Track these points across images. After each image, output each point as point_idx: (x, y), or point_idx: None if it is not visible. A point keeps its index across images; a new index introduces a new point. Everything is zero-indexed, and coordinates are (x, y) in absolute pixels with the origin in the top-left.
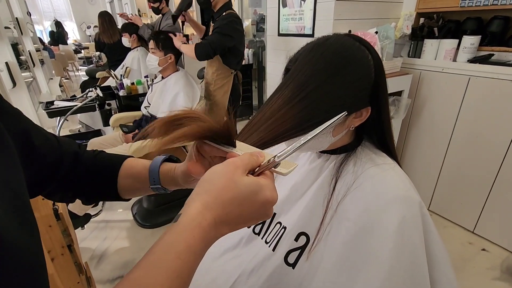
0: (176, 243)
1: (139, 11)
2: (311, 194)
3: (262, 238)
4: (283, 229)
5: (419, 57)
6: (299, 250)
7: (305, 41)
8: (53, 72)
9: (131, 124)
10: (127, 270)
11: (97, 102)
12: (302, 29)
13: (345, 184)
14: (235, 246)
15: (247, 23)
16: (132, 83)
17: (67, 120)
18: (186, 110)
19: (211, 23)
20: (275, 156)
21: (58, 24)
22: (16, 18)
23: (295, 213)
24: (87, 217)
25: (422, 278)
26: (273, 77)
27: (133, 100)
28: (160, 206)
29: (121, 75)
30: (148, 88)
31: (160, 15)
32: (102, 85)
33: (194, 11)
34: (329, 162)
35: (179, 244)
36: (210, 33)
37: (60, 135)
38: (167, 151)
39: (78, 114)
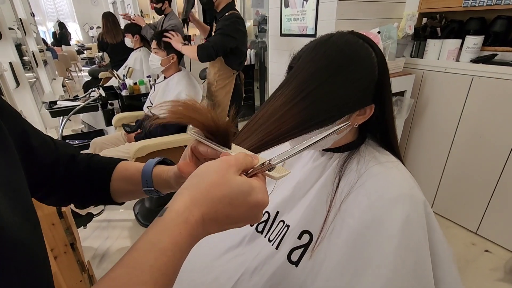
0: (162, 239)
1: (141, 12)
2: (314, 192)
3: (265, 237)
4: (286, 227)
5: (422, 57)
6: (302, 248)
7: (307, 41)
8: (56, 72)
9: (134, 123)
10: None
11: (100, 102)
12: (304, 29)
13: (349, 183)
14: (238, 245)
15: (249, 24)
16: (135, 83)
17: (70, 120)
18: (195, 101)
19: (214, 23)
20: (270, 159)
21: (61, 25)
22: (20, 18)
23: (298, 211)
24: (89, 216)
25: (426, 277)
26: (275, 78)
27: (135, 100)
28: (162, 206)
29: (123, 75)
30: (151, 88)
31: (163, 15)
32: (104, 85)
33: (197, 12)
34: (332, 160)
35: (164, 240)
36: (213, 33)
37: (63, 135)
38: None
39: (81, 114)
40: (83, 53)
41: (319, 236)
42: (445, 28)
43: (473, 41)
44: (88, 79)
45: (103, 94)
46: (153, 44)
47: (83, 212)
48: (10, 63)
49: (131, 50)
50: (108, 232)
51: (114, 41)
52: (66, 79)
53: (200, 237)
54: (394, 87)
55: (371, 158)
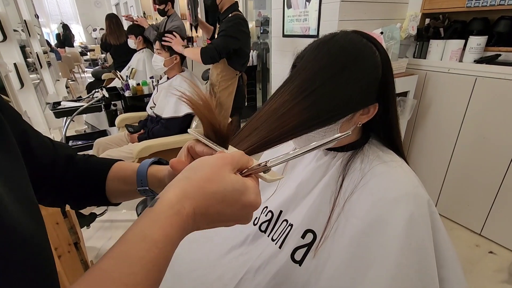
0: (153, 231)
1: (144, 13)
2: (318, 192)
3: (268, 236)
4: (289, 227)
5: (425, 58)
6: (306, 248)
7: (309, 42)
8: (60, 74)
9: (137, 124)
10: None
11: (103, 103)
12: (307, 30)
13: (352, 182)
14: (241, 244)
15: (251, 25)
16: (138, 84)
17: (73, 121)
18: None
19: (217, 24)
20: (267, 161)
21: (65, 27)
22: (25, 20)
23: (301, 211)
24: (92, 217)
25: (430, 276)
26: (278, 78)
27: (138, 101)
28: None
29: (126, 76)
30: (154, 88)
31: (166, 16)
32: (108, 86)
33: (199, 13)
34: (336, 159)
35: (155, 232)
36: (216, 34)
37: (66, 135)
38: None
39: (84, 115)
40: (86, 54)
41: (323, 235)
42: (448, 28)
43: (476, 42)
44: (91, 80)
45: (106, 95)
46: (156, 45)
47: (86, 212)
48: (15, 64)
49: (134, 51)
50: (111, 232)
51: (117, 42)
52: (69, 80)
53: (189, 231)
54: (397, 87)
55: (375, 157)
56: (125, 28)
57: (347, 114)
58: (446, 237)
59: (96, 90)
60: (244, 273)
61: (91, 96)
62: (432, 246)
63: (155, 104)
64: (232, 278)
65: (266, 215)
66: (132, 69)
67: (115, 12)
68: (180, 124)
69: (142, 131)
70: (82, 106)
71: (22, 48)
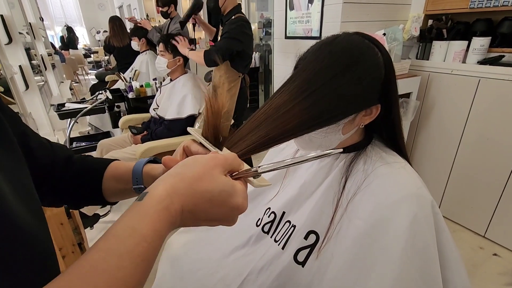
0: (142, 226)
1: (147, 16)
2: (320, 193)
3: (271, 237)
4: (292, 228)
5: (428, 59)
6: (309, 249)
7: (312, 43)
8: (64, 75)
9: (140, 125)
10: None
11: (107, 104)
12: (309, 31)
13: (355, 183)
14: (244, 245)
15: (253, 27)
16: (141, 86)
17: (77, 122)
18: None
19: (220, 26)
20: (258, 167)
21: (69, 29)
22: (30, 23)
23: (304, 212)
24: (96, 217)
25: (434, 277)
26: (280, 80)
27: (141, 102)
28: None
29: (130, 78)
30: (157, 90)
31: (169, 19)
32: (111, 88)
33: (202, 15)
34: (339, 160)
35: (144, 226)
36: (219, 36)
37: (70, 137)
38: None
39: (88, 116)
40: (90, 56)
41: (326, 237)
42: (451, 29)
43: (480, 43)
44: (95, 82)
45: (110, 97)
46: (160, 47)
47: (89, 213)
48: (20, 67)
49: (138, 53)
50: None
51: (120, 44)
52: (73, 82)
53: (176, 226)
54: (400, 88)
55: (378, 159)
56: (128, 30)
57: (348, 115)
58: (450, 238)
59: (100, 92)
60: (247, 274)
61: (94, 98)
62: (435, 247)
63: (158, 106)
64: (235, 279)
65: (269, 216)
66: (135, 71)
67: (118, 15)
68: (183, 126)
69: (145, 132)
70: (86, 107)
71: (27, 50)
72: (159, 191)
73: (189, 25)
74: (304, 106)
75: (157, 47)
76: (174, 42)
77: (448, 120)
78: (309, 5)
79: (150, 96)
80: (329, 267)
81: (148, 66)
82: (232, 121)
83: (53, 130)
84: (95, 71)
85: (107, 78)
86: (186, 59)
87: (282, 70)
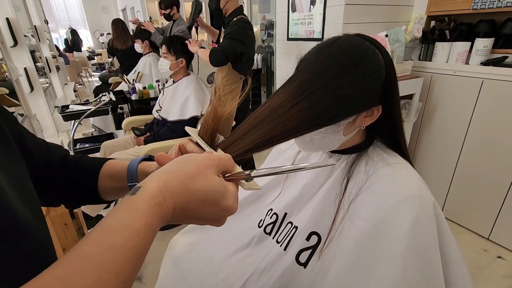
0: (135, 221)
1: (150, 18)
2: (322, 194)
3: (273, 238)
4: (294, 229)
5: (430, 60)
6: (311, 250)
7: (314, 45)
8: (68, 77)
9: (143, 127)
10: None
11: (110, 106)
12: (311, 33)
13: (357, 184)
14: (246, 246)
15: (256, 29)
16: (144, 88)
17: (81, 124)
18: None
19: (222, 28)
20: (251, 170)
21: (73, 32)
22: (35, 26)
23: (306, 213)
24: (99, 219)
25: (436, 277)
26: (282, 82)
27: (144, 104)
28: None
29: (133, 79)
30: (160, 92)
31: (172, 21)
32: (115, 90)
33: (204, 17)
34: (340, 161)
35: (137, 221)
36: (221, 39)
37: (74, 138)
38: None
39: (91, 118)
40: (94, 59)
41: (328, 238)
42: (454, 30)
43: (483, 44)
44: (99, 84)
45: (113, 99)
46: (163, 49)
47: (93, 214)
48: (25, 69)
49: (141, 55)
50: None
51: (123, 46)
52: (77, 84)
53: (167, 222)
54: (402, 90)
55: (380, 160)
56: (131, 32)
57: (349, 116)
58: (452, 239)
59: (103, 93)
60: (249, 275)
61: (98, 100)
62: (437, 248)
63: (161, 107)
64: (237, 280)
65: (271, 218)
66: (138, 72)
67: (122, 17)
68: (185, 127)
69: (148, 134)
70: (90, 109)
71: (32, 53)
72: (152, 187)
73: (192, 28)
74: (303, 106)
75: (160, 49)
76: (186, 42)
77: (451, 121)
78: (311, 7)
79: (153, 98)
80: (331, 268)
81: (151, 68)
82: (234, 123)
83: (57, 132)
84: (99, 73)
85: (111, 80)
86: (188, 61)
87: (284, 72)
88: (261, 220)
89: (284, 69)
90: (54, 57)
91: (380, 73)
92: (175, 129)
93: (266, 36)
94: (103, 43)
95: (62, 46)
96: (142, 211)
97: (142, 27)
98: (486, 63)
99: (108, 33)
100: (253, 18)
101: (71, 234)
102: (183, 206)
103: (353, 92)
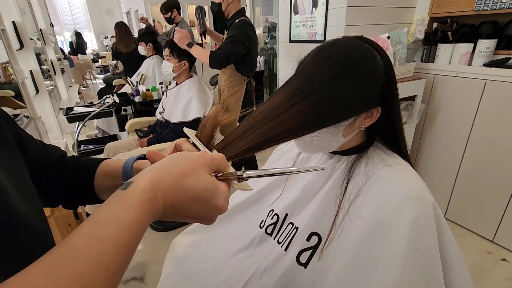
0: (126, 215)
1: (154, 21)
2: (322, 195)
3: (274, 239)
4: (295, 229)
5: (433, 62)
6: (311, 250)
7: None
8: (72, 80)
9: (146, 129)
10: (140, 272)
11: (114, 108)
12: (313, 35)
13: (357, 185)
14: (248, 246)
15: (259, 31)
16: (147, 90)
17: (85, 126)
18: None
19: (225, 31)
20: (244, 171)
21: (77, 34)
22: (40, 29)
23: (307, 214)
24: None
25: (436, 278)
26: None
27: (148, 106)
28: None
29: (136, 82)
30: (163, 94)
31: (174, 24)
32: (118, 92)
33: (207, 20)
34: (340, 162)
35: (128, 216)
36: (223, 41)
37: (78, 140)
38: None
39: (95, 120)
40: (98, 61)
41: (328, 238)
42: (456, 32)
43: (485, 45)
44: (103, 86)
45: (117, 101)
46: (166, 51)
47: None
48: (31, 71)
49: (144, 58)
50: None
51: (127, 49)
52: (81, 87)
53: (158, 218)
54: (405, 91)
55: (380, 161)
56: (135, 34)
57: (348, 118)
58: (452, 240)
59: (107, 95)
60: (250, 275)
61: (102, 102)
62: (437, 249)
63: (164, 109)
64: (238, 280)
65: (272, 218)
66: (142, 75)
67: (126, 20)
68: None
69: (151, 135)
70: (94, 111)
71: (38, 55)
72: (144, 182)
73: (195, 31)
74: (302, 107)
75: (163, 52)
76: (177, 30)
77: (454, 123)
78: (314, 9)
79: (156, 100)
80: (331, 269)
81: (155, 70)
82: (238, 124)
83: (61, 133)
84: (103, 76)
85: (115, 82)
86: (191, 64)
87: (286, 74)
88: (262, 221)
89: (286, 71)
90: (59, 59)
91: (379, 75)
92: (178, 130)
93: (269, 38)
94: (107, 45)
95: (67, 49)
96: (133, 206)
97: (150, 26)
98: (489, 65)
99: (112, 36)
100: (255, 20)
101: None
102: (173, 203)
103: (352, 94)
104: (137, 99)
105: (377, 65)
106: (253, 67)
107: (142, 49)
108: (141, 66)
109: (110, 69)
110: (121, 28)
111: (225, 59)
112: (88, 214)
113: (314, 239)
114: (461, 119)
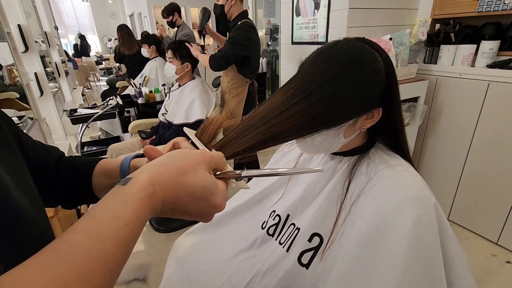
0: (125, 211)
1: (157, 23)
2: (324, 196)
3: (276, 239)
4: (296, 230)
5: (435, 63)
6: (313, 251)
7: None
8: (76, 82)
9: (149, 130)
10: (142, 273)
11: (117, 110)
12: (315, 37)
13: (358, 185)
14: (250, 247)
15: (261, 33)
16: (150, 91)
17: (89, 127)
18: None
19: (227, 33)
20: (242, 171)
21: (81, 37)
22: (45, 32)
23: (308, 214)
24: None
25: (438, 279)
26: None
27: (151, 108)
28: None
29: (140, 84)
30: (165, 96)
31: (176, 27)
32: (121, 94)
33: (210, 22)
34: (342, 163)
35: (127, 212)
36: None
37: (82, 141)
38: None
39: (99, 122)
40: (102, 63)
41: (329, 239)
42: (459, 33)
43: (489, 46)
44: (106, 88)
45: (120, 102)
46: (169, 53)
47: None
48: (35, 74)
49: (147, 60)
50: None
51: (130, 52)
52: (85, 88)
53: (156, 214)
54: (407, 93)
55: (381, 162)
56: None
57: (348, 119)
58: (455, 241)
59: (111, 97)
60: (252, 275)
61: (105, 104)
62: (439, 250)
63: (167, 111)
64: (240, 281)
65: (273, 219)
66: (145, 77)
67: (129, 23)
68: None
69: (154, 137)
70: (97, 113)
71: (42, 58)
72: (143, 179)
73: (196, 33)
74: (301, 107)
75: (166, 54)
76: (188, 45)
77: (457, 124)
78: (315, 11)
79: (159, 102)
80: (332, 269)
81: (157, 72)
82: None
83: (65, 135)
84: (106, 78)
85: (118, 84)
86: (194, 65)
87: (288, 75)
88: (264, 221)
89: (288, 73)
90: (63, 62)
91: (380, 77)
92: (181, 132)
93: (271, 40)
94: (111, 48)
95: (71, 51)
96: (132, 203)
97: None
98: (492, 66)
99: (116, 38)
100: (258, 22)
101: None
102: (172, 200)
103: (352, 94)
104: (140, 100)
105: (377, 66)
106: (255, 69)
107: (145, 51)
108: (144, 68)
109: (114, 71)
110: (124, 31)
111: (224, 61)
112: None
113: (316, 240)
114: (464, 120)
